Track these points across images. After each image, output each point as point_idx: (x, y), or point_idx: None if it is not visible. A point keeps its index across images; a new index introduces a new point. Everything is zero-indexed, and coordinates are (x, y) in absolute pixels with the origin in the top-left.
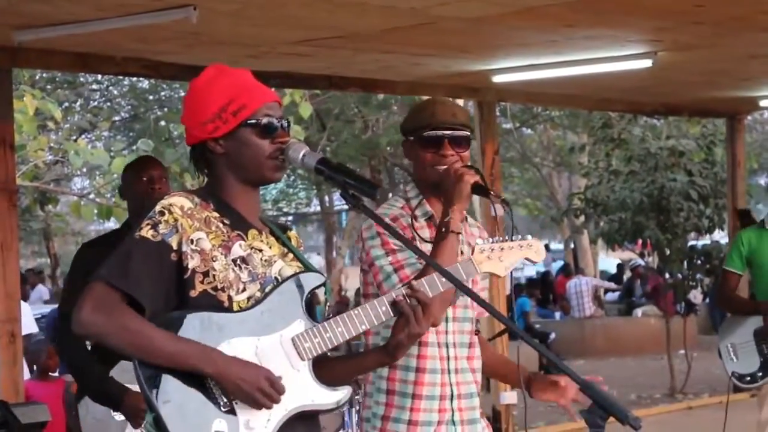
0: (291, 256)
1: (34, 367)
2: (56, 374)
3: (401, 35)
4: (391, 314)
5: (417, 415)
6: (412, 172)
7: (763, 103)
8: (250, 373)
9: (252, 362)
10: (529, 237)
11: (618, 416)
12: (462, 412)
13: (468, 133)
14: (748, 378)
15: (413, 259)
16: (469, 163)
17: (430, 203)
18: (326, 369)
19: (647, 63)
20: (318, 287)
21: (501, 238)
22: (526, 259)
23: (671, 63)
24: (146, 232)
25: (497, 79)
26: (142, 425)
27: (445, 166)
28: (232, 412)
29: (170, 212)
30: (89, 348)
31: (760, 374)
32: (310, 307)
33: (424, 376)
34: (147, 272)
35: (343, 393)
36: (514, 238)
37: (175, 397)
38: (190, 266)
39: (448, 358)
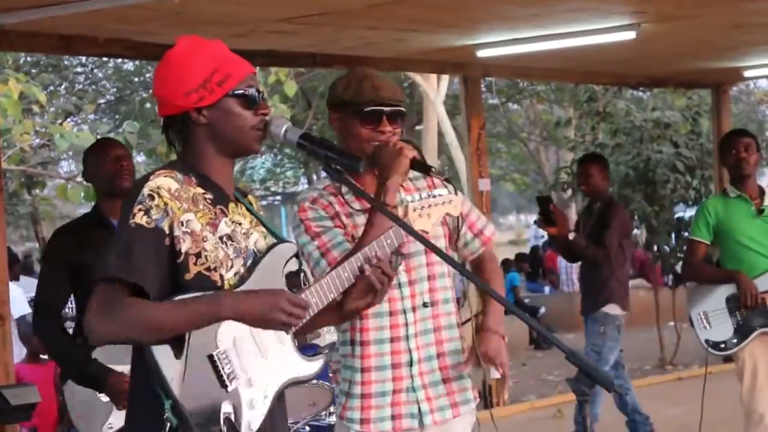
0: (255, 222)
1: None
2: (47, 357)
3: (385, 11)
4: (353, 280)
5: (368, 388)
6: (342, 144)
7: (747, 73)
8: (267, 301)
9: (263, 289)
10: (446, 192)
11: (603, 384)
12: (423, 376)
13: (404, 110)
14: (722, 345)
15: (340, 237)
16: (406, 140)
17: (359, 177)
18: None
19: (631, 35)
20: (292, 257)
21: (427, 195)
22: (447, 214)
23: (655, 34)
24: (140, 218)
25: (482, 54)
26: (165, 414)
27: (383, 140)
28: (236, 393)
29: (159, 195)
30: (71, 331)
31: (735, 341)
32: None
33: (369, 348)
34: (148, 260)
35: (319, 363)
36: (436, 194)
37: (188, 383)
38: (183, 249)
39: (406, 324)
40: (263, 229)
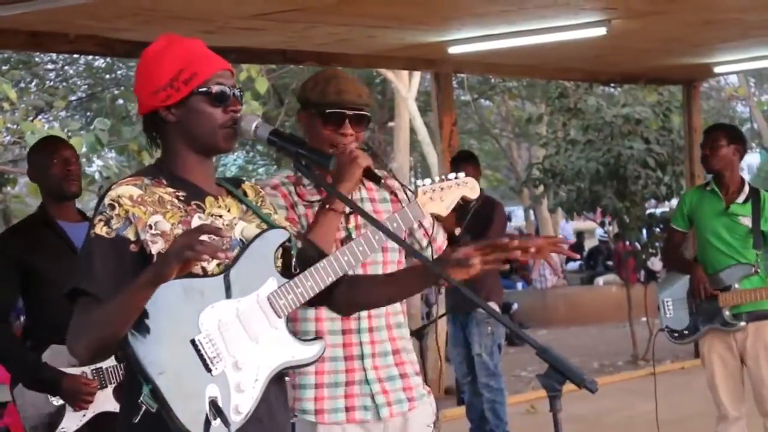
0: (251, 212)
1: None
2: None
3: (356, 7)
4: (354, 263)
5: (321, 378)
6: (307, 141)
7: (717, 69)
8: (174, 244)
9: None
10: (462, 174)
11: (574, 380)
12: (378, 370)
13: (369, 114)
14: (677, 334)
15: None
16: (366, 144)
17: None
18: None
19: (601, 31)
20: (284, 243)
21: (440, 178)
22: (463, 197)
23: (625, 31)
24: (100, 229)
25: (453, 50)
26: (140, 398)
27: (340, 148)
28: (222, 376)
29: (120, 204)
30: (18, 335)
31: (687, 332)
32: (287, 262)
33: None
34: (107, 269)
35: (318, 346)
36: (449, 177)
37: (169, 368)
38: (153, 251)
39: (359, 318)
40: (258, 218)
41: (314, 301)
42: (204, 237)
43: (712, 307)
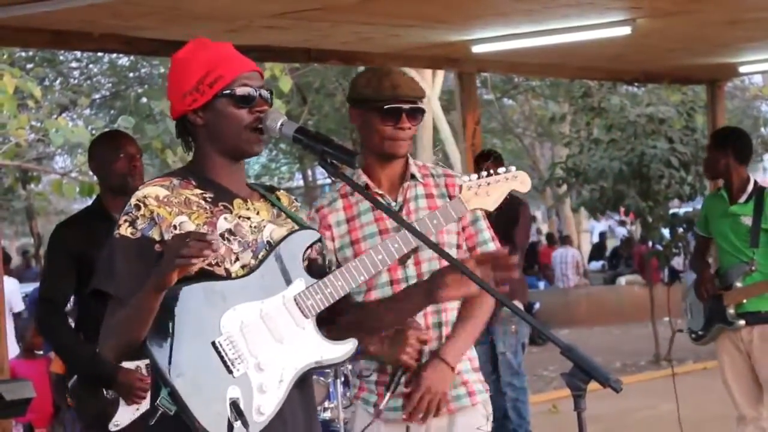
0: (283, 216)
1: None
2: (41, 352)
3: (380, 6)
4: (388, 262)
5: (384, 377)
6: (362, 139)
7: (742, 69)
8: (166, 251)
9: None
10: (513, 168)
11: (599, 379)
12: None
13: (424, 107)
14: (694, 335)
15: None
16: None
17: (374, 171)
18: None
19: (626, 30)
20: (314, 244)
21: (487, 173)
22: (512, 190)
23: (650, 30)
24: (125, 230)
25: (477, 49)
26: (158, 401)
27: (403, 138)
28: (244, 377)
29: (145, 205)
30: (73, 327)
31: (701, 333)
32: (312, 265)
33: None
34: (130, 270)
35: (349, 346)
36: (499, 171)
37: (188, 370)
38: None
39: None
40: (291, 223)
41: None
42: (179, 243)
43: (719, 307)
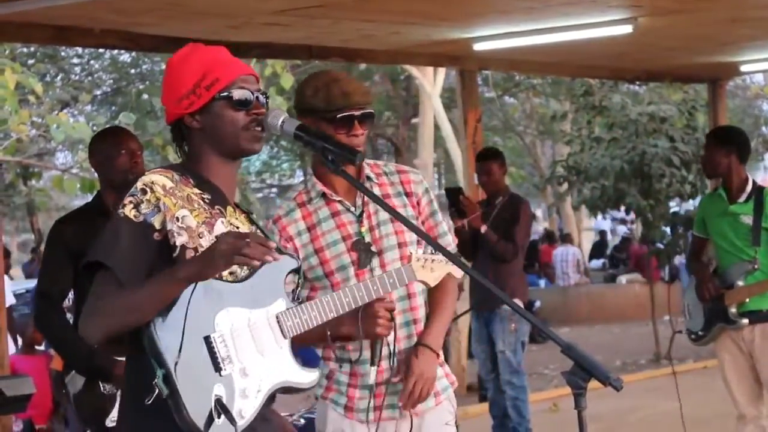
0: (259, 233)
1: (19, 341)
2: (42, 348)
3: (381, 3)
4: (353, 306)
5: (355, 380)
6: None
7: (744, 68)
8: (219, 246)
9: (211, 245)
10: (443, 258)
11: (600, 377)
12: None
13: (373, 110)
14: (694, 336)
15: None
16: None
17: (328, 178)
18: None
19: (627, 29)
20: (292, 271)
21: (431, 251)
22: (448, 274)
23: (652, 28)
24: (129, 211)
25: (478, 47)
26: (154, 381)
27: (356, 144)
28: (229, 379)
29: (152, 191)
30: (71, 322)
31: (701, 333)
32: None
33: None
34: (129, 250)
35: (316, 375)
36: (437, 253)
37: (183, 357)
38: (178, 243)
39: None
40: None
41: None
42: (237, 241)
43: (720, 306)
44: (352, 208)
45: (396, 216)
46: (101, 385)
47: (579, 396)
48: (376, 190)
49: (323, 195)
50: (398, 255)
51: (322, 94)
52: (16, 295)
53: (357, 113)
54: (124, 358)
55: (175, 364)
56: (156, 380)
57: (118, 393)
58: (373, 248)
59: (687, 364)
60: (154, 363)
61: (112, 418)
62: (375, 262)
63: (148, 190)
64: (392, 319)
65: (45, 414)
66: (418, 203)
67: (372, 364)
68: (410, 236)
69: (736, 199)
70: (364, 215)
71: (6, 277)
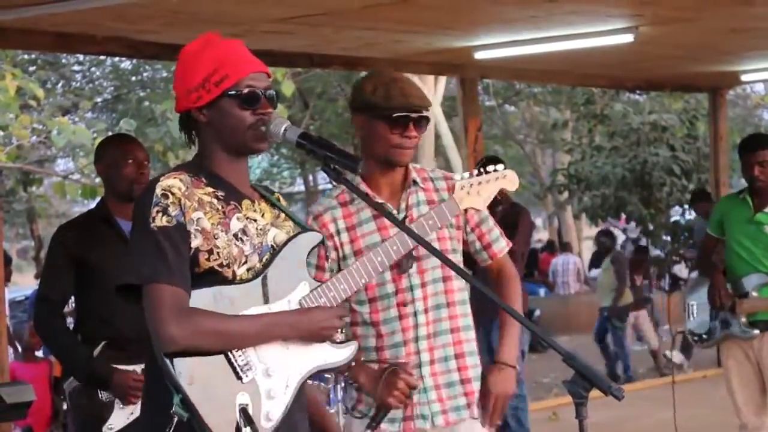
0: (283, 217)
1: (18, 348)
2: (41, 355)
3: (382, 12)
4: (387, 264)
5: None
6: (364, 146)
7: (744, 77)
8: (314, 321)
9: (309, 308)
10: (501, 166)
11: (601, 387)
12: (437, 377)
13: (429, 116)
14: (697, 338)
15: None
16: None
17: (373, 179)
18: None
19: (629, 38)
20: (316, 246)
21: (477, 172)
22: (502, 190)
23: (653, 38)
24: (160, 220)
25: (479, 55)
26: (172, 408)
27: (408, 146)
28: (253, 383)
29: (172, 194)
30: (70, 329)
31: (706, 336)
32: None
33: (384, 353)
34: (181, 261)
35: (350, 349)
36: (488, 170)
37: (198, 377)
38: (193, 245)
39: (416, 326)
40: (291, 225)
41: None
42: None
43: (730, 314)
44: (395, 211)
45: (403, 229)
46: (99, 393)
47: (580, 405)
48: (421, 195)
49: (367, 195)
50: (438, 262)
51: (381, 91)
52: (14, 303)
53: (414, 115)
54: (122, 367)
55: (189, 385)
56: (174, 408)
57: (116, 401)
58: (414, 253)
59: (686, 373)
60: (171, 388)
61: (109, 426)
62: (414, 267)
63: (169, 193)
64: (410, 396)
65: (43, 421)
66: (465, 210)
67: (368, 427)
68: (452, 244)
69: (762, 209)
70: (407, 218)
71: None
